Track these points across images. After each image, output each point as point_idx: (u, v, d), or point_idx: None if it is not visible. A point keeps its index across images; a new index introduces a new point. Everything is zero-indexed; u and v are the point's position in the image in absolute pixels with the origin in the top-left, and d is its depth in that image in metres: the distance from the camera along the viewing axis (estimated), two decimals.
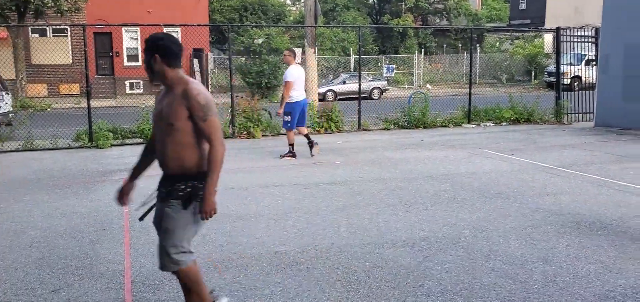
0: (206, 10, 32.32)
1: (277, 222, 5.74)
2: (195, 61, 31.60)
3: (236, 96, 13.56)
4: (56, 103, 24.13)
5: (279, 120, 10.22)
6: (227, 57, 27.63)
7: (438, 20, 47.05)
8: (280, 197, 6.86)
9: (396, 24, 40.84)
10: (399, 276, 4.27)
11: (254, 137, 12.50)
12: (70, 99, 24.89)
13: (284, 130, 10.20)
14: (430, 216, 5.94)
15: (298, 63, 10.15)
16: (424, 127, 13.92)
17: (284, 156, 9.78)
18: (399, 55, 38.10)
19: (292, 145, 9.79)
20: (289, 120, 9.64)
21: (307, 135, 10.02)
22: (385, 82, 29.02)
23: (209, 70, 30.86)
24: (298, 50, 17.14)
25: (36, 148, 11.45)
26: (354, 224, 5.65)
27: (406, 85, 31.40)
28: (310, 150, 9.84)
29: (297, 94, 9.57)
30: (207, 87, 30.71)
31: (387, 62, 34.24)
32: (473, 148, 10.54)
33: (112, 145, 11.57)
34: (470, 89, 15.11)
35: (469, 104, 14.74)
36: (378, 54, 38.14)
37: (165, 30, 30.17)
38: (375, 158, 9.60)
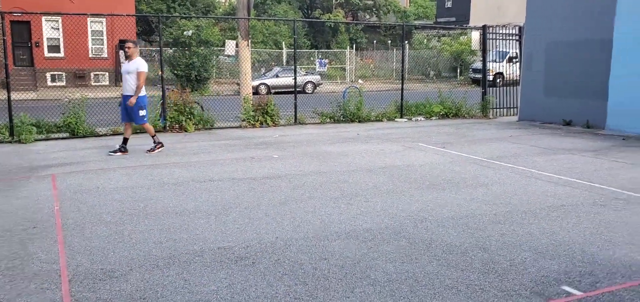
0: (133, 0, 31.23)
1: (218, 217, 5.64)
2: (121, 53, 30.50)
3: (167, 89, 13.20)
4: None
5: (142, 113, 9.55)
6: (156, 49, 27.00)
7: (368, 17, 47.78)
8: (218, 192, 6.74)
9: (328, 19, 41.14)
10: (346, 267, 4.31)
11: (186, 131, 12.23)
12: None
13: (141, 125, 9.81)
14: (371, 207, 6.02)
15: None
16: (359, 122, 14.12)
17: (151, 151, 9.57)
18: (331, 50, 38.41)
19: (155, 136, 9.79)
20: (145, 114, 9.54)
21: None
22: (319, 76, 29.18)
23: None
24: (232, 43, 16.96)
25: None
26: (298, 217, 5.64)
27: (339, 80, 31.70)
28: (120, 150, 9.49)
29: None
30: None
31: (320, 56, 34.44)
32: (407, 141, 10.79)
33: (36, 140, 10.97)
34: (402, 84, 15.46)
35: (402, 99, 15.07)
36: (310, 49, 38.26)
37: (89, 20, 29.03)
38: (313, 152, 9.63)
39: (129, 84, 9.29)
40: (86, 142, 11.02)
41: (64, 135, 11.66)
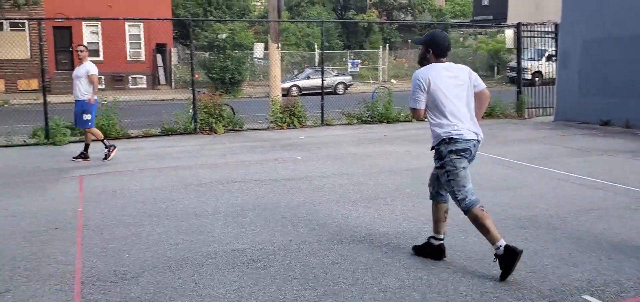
0: (169, 4, 31.77)
1: (235, 219, 5.64)
2: (159, 56, 31.07)
3: (198, 92, 13.36)
4: (14, 99, 23.40)
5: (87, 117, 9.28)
6: (192, 52, 27.35)
7: (403, 16, 47.38)
8: (239, 193, 6.75)
9: (361, 19, 40.98)
10: (357, 273, 4.23)
11: (216, 133, 12.33)
12: (28, 95, 24.17)
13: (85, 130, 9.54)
14: (390, 211, 5.92)
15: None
16: (388, 122, 13.97)
17: (107, 157, 9.24)
18: (364, 50, 38.24)
19: (104, 139, 9.53)
20: (91, 118, 9.30)
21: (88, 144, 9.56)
22: (350, 77, 29.07)
23: (173, 65, 30.38)
24: (260, 45, 17.04)
25: None
26: (314, 220, 5.58)
27: (371, 80, 31.52)
28: (81, 156, 9.35)
29: None
30: (171, 83, 30.24)
31: (352, 57, 34.32)
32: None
33: (69, 142, 11.24)
34: None
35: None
36: (343, 49, 38.18)
37: (127, 24, 29.67)
38: (337, 153, 9.57)
39: (78, 87, 9.10)
40: (118, 143, 11.18)
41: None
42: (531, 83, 21.41)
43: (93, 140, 9.48)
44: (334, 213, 5.84)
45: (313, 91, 23.45)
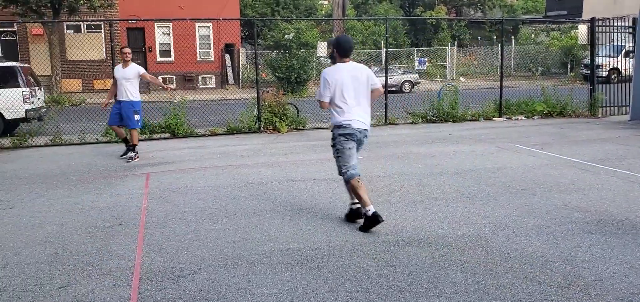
0: (237, 5, 32.45)
1: (292, 218, 5.65)
2: (227, 56, 31.80)
3: (264, 91, 13.55)
4: (90, 98, 24.58)
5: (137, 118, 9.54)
6: (259, 52, 27.81)
7: (472, 12, 46.18)
8: (298, 192, 6.77)
9: (429, 16, 40.27)
10: (412, 276, 4.12)
11: (279, 132, 12.46)
12: (103, 95, 25.35)
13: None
14: (450, 212, 5.75)
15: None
16: (453, 121, 13.64)
17: (134, 158, 9.43)
18: (432, 47, 37.55)
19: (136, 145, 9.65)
20: (140, 119, 9.61)
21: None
22: (417, 75, 28.62)
23: (241, 65, 30.99)
24: (324, 44, 17.05)
25: (65, 143, 11.67)
26: None
27: (439, 78, 30.92)
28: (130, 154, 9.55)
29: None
30: (239, 83, 30.88)
31: (419, 54, 33.77)
32: (502, 142, 10.24)
33: (139, 140, 11.65)
34: (501, 81, 14.74)
35: (500, 97, 14.36)
36: (410, 47, 37.66)
37: (197, 25, 30.56)
38: (399, 153, 9.42)
39: (128, 89, 9.34)
40: (185, 142, 11.56)
41: (165, 135, 12.32)
42: (607, 80, 20.32)
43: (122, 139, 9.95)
44: (392, 214, 5.74)
45: None
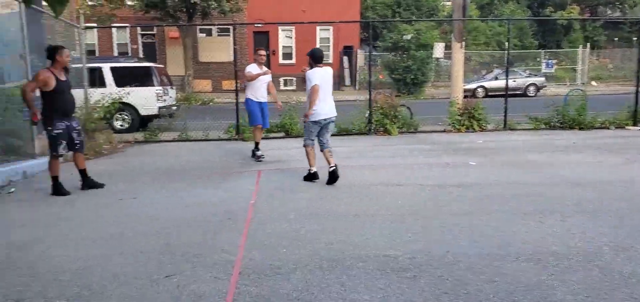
0: (358, 7, 32.68)
1: (392, 223, 5.53)
2: (345, 58, 32.14)
3: (376, 93, 13.51)
4: (218, 98, 26.03)
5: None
6: (377, 54, 27.80)
7: (609, 12, 42.61)
8: (402, 197, 6.62)
9: (560, 16, 37.77)
10: (515, 293, 3.85)
11: (389, 134, 12.33)
12: (230, 95, 26.70)
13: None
14: (566, 228, 5.31)
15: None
16: (580, 128, 12.67)
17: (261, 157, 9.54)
18: (562, 49, 35.18)
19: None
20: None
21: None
22: (543, 78, 26.98)
23: (358, 67, 31.17)
24: (441, 45, 16.60)
25: (190, 139, 12.44)
26: (476, 231, 5.24)
27: (567, 82, 28.92)
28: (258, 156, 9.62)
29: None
30: (355, 84, 31.08)
31: (547, 56, 31.80)
32: (633, 153, 9.32)
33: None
34: (637, 86, 13.42)
35: (636, 103, 13.09)
36: (537, 49, 35.57)
37: (318, 28, 31.21)
38: (515, 160, 8.91)
39: (265, 90, 9.56)
40: (297, 141, 11.76)
41: (280, 135, 12.69)
42: None
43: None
44: (501, 226, 5.42)
45: (500, 93, 22.27)
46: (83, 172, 7.45)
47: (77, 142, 7.27)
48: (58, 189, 7.16)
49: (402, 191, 6.97)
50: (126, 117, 14.29)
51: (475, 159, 9.05)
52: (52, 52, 6.97)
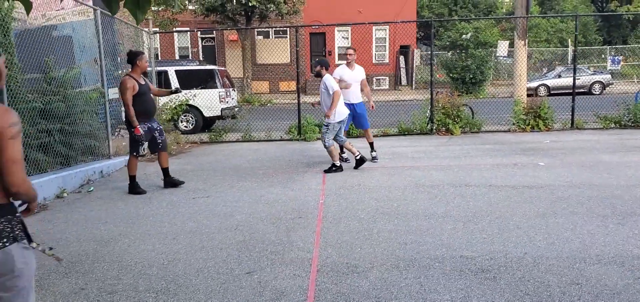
0: (414, 6, 32.42)
1: (466, 224, 5.50)
2: (401, 58, 31.93)
3: (438, 92, 13.38)
4: (276, 99, 26.41)
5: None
6: (435, 52, 27.49)
7: None
8: (472, 198, 6.55)
9: (626, 11, 36.25)
10: (601, 297, 3.77)
11: (452, 134, 12.20)
12: (288, 96, 27.07)
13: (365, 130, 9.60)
14: None
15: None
16: None
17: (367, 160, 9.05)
18: (628, 45, 33.74)
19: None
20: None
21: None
22: (609, 75, 25.97)
23: (415, 66, 30.91)
24: (505, 43, 16.25)
25: (253, 139, 12.69)
26: (553, 233, 5.14)
27: (635, 79, 27.72)
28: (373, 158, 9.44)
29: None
30: (412, 84, 30.83)
31: (613, 53, 30.58)
32: None
33: (317, 139, 12.26)
34: None
35: None
36: (602, 45, 34.26)
37: (374, 28, 31.14)
38: (586, 161, 8.65)
39: (357, 90, 9.18)
40: (358, 142, 11.78)
41: None
42: None
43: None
44: (578, 228, 5.29)
45: (564, 91, 21.62)
46: (166, 171, 7.77)
47: (160, 141, 7.60)
48: (134, 188, 7.48)
49: (472, 191, 6.90)
50: (191, 118, 14.72)
51: (544, 160, 8.84)
52: (133, 58, 7.29)
